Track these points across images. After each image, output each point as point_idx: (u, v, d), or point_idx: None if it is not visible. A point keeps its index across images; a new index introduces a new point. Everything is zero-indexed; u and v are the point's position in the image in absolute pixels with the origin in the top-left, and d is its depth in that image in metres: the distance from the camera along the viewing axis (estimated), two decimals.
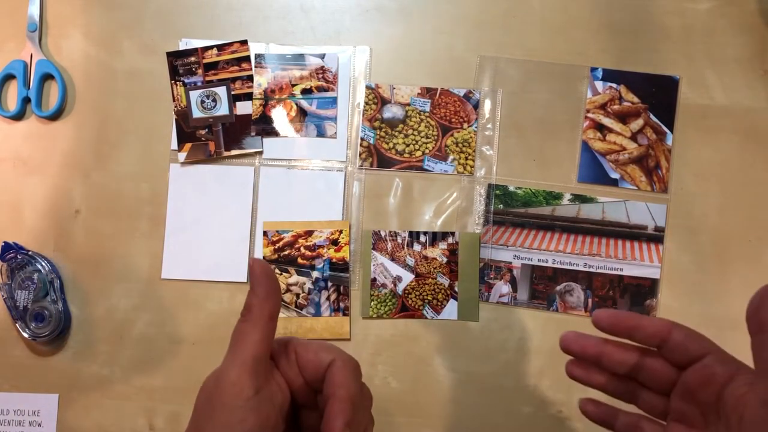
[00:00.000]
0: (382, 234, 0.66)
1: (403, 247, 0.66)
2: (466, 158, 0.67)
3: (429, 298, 0.66)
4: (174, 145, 0.67)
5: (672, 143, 0.67)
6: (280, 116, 0.68)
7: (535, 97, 0.67)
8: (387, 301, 0.66)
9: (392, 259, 0.66)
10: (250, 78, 0.68)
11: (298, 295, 0.66)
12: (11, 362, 0.66)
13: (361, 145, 0.67)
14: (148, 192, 0.67)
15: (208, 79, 0.68)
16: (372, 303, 0.66)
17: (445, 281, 0.66)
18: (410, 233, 0.66)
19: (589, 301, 0.66)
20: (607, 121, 0.67)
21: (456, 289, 0.66)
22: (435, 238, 0.66)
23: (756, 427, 0.31)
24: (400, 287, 0.66)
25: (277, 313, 0.35)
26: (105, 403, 0.65)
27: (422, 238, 0.66)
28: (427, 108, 0.67)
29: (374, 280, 0.66)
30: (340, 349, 0.37)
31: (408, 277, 0.66)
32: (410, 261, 0.66)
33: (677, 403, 0.36)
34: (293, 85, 0.68)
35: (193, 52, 0.68)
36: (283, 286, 0.66)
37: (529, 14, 0.68)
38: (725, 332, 0.65)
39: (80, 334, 0.66)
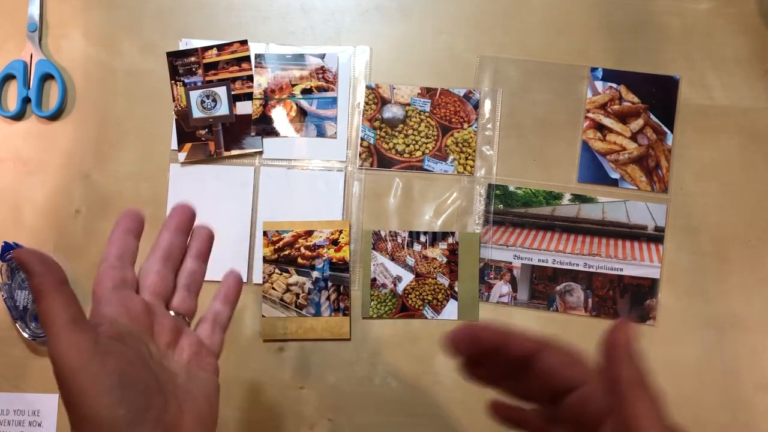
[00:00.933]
0: (382, 234, 0.66)
1: (403, 247, 0.66)
2: (466, 158, 0.67)
3: (429, 298, 0.66)
4: (174, 145, 0.67)
5: (672, 143, 0.67)
6: (280, 116, 0.68)
7: (535, 97, 0.67)
8: (387, 301, 0.66)
9: (392, 259, 0.66)
10: (250, 78, 0.68)
11: (298, 295, 0.66)
12: (11, 362, 0.66)
13: (361, 145, 0.67)
14: (148, 192, 0.67)
15: (208, 79, 0.68)
16: (372, 303, 0.66)
17: (445, 281, 0.66)
18: (410, 233, 0.66)
19: (590, 301, 0.66)
20: (607, 121, 0.67)
21: (456, 289, 0.66)
22: (435, 238, 0.66)
23: None
24: (400, 287, 0.66)
25: (65, 279, 0.33)
26: None
27: (422, 238, 0.66)
28: (427, 108, 0.67)
29: (374, 280, 0.66)
30: None
31: (408, 277, 0.66)
32: (410, 261, 0.66)
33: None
34: (293, 85, 0.68)
35: (193, 52, 0.68)
36: (283, 286, 0.66)
37: (529, 14, 0.68)
38: (725, 332, 0.65)
39: None
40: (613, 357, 0.30)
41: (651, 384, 0.31)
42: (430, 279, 0.66)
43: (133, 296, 0.37)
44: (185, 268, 0.42)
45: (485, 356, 0.35)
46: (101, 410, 0.30)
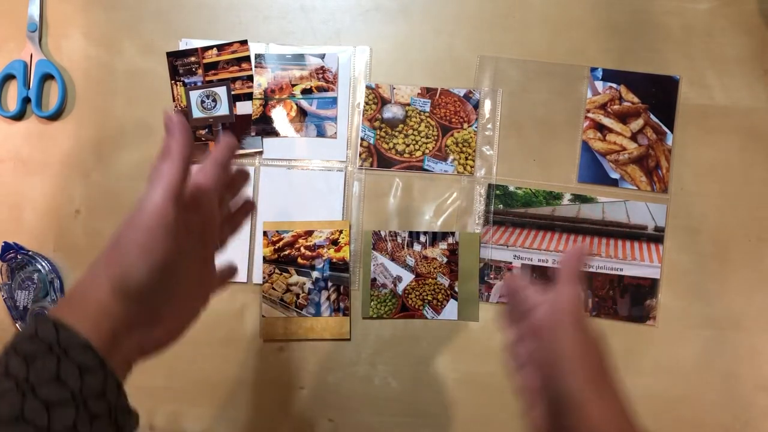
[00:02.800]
0: (382, 234, 0.66)
1: (403, 247, 0.66)
2: (466, 158, 0.67)
3: (429, 298, 0.66)
4: None
5: (672, 143, 0.67)
6: (280, 116, 0.68)
7: (535, 97, 0.67)
8: (387, 301, 0.66)
9: (392, 259, 0.66)
10: (250, 78, 0.68)
11: (298, 295, 0.66)
12: None
13: (361, 145, 0.67)
14: None
15: (208, 79, 0.68)
16: (372, 303, 0.66)
17: (445, 281, 0.66)
18: (410, 233, 0.66)
19: (590, 301, 0.66)
20: (607, 121, 0.67)
21: (456, 289, 0.66)
22: (435, 238, 0.66)
23: (547, 325, 0.40)
24: (400, 287, 0.66)
25: (191, 158, 0.37)
26: None
27: (422, 238, 0.66)
28: (427, 108, 0.67)
29: (374, 280, 0.66)
30: None
31: (408, 277, 0.66)
32: (410, 261, 0.66)
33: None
34: (293, 85, 0.68)
35: (193, 52, 0.68)
36: (283, 286, 0.66)
37: (529, 14, 0.68)
38: (725, 332, 0.65)
39: None
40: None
41: (578, 282, 0.42)
42: (430, 279, 0.66)
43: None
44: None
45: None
46: (143, 270, 0.34)
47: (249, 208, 0.48)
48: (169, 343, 0.39)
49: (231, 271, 0.47)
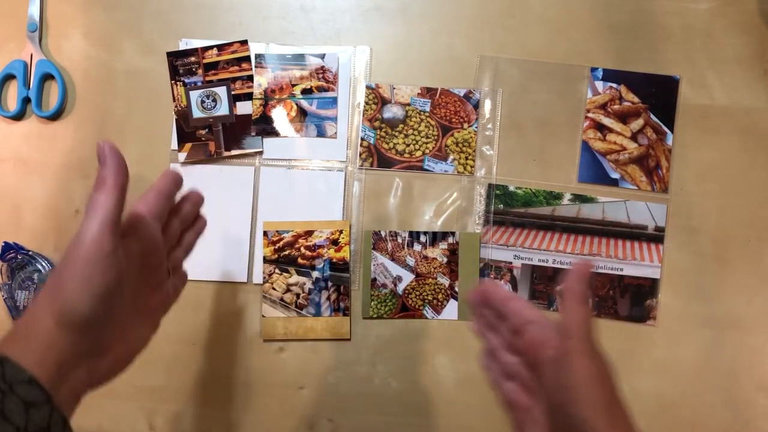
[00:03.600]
0: (383, 234, 0.66)
1: (404, 247, 0.66)
2: (466, 158, 0.67)
3: (429, 298, 0.66)
4: (174, 145, 0.67)
5: (672, 143, 0.67)
6: (280, 116, 0.68)
7: (535, 97, 0.67)
8: (387, 301, 0.66)
9: (392, 259, 0.66)
10: (250, 78, 0.68)
11: (298, 295, 0.66)
12: None
13: (361, 145, 0.67)
14: None
15: (208, 79, 0.68)
16: (372, 303, 0.66)
17: (445, 281, 0.66)
18: (410, 233, 0.66)
19: (590, 301, 0.65)
20: (607, 121, 0.67)
21: (456, 289, 0.66)
22: (435, 238, 0.66)
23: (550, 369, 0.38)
24: (401, 287, 0.66)
25: (126, 185, 0.39)
26: (105, 403, 0.65)
27: (422, 238, 0.66)
28: (428, 108, 0.67)
29: (374, 280, 0.66)
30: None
31: (408, 277, 0.66)
32: (410, 261, 0.66)
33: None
34: (293, 85, 0.68)
35: (193, 52, 0.68)
36: (283, 286, 0.66)
37: (529, 14, 0.68)
38: (725, 332, 0.65)
39: None
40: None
41: (588, 302, 0.40)
42: (430, 279, 0.66)
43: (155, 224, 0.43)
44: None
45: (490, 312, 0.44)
46: (84, 301, 0.35)
47: (201, 227, 0.49)
48: (119, 372, 0.39)
49: (183, 279, 0.48)
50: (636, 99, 0.67)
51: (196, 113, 0.68)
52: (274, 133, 0.67)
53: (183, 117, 0.67)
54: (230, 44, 0.68)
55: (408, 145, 0.67)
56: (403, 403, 0.65)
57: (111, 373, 0.39)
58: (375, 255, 0.66)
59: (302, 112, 0.68)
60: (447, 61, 0.68)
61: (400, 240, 0.66)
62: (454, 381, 0.65)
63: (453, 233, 0.66)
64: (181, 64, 0.68)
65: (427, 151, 0.67)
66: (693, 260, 0.66)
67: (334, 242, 0.66)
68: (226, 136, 0.67)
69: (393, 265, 0.66)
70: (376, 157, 0.67)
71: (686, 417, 0.64)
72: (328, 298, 0.66)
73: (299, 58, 0.68)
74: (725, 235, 0.66)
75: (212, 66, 0.68)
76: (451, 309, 0.65)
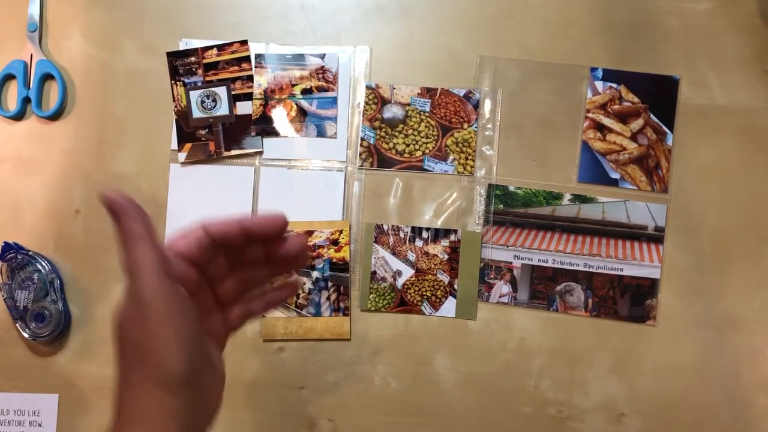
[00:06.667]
0: (385, 228, 0.66)
1: (405, 242, 0.66)
2: (466, 158, 0.67)
3: (428, 294, 0.66)
4: (174, 145, 0.67)
5: (672, 143, 0.67)
6: (280, 116, 0.68)
7: (535, 97, 0.67)
8: (386, 294, 0.66)
9: (393, 254, 0.66)
10: (250, 78, 0.68)
11: (298, 295, 0.66)
12: (11, 362, 0.66)
13: (361, 145, 0.67)
14: (148, 192, 0.67)
15: (208, 79, 0.68)
16: (371, 296, 0.66)
17: (444, 278, 0.66)
18: (413, 228, 0.66)
19: (590, 301, 0.66)
20: (607, 121, 0.67)
21: (455, 286, 0.66)
22: (437, 234, 0.66)
23: None
24: (400, 281, 0.66)
25: (153, 226, 0.34)
26: (105, 403, 0.65)
27: (424, 234, 0.66)
28: (427, 108, 0.67)
29: (374, 273, 0.66)
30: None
31: (408, 272, 0.66)
32: (411, 256, 0.66)
33: None
34: (293, 85, 0.68)
35: (193, 52, 0.68)
36: None
37: (529, 14, 0.68)
38: (725, 332, 0.65)
39: (80, 334, 0.66)
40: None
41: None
42: (430, 275, 0.66)
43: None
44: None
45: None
46: (179, 357, 0.32)
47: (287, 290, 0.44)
48: (218, 409, 0.38)
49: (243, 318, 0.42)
50: (636, 99, 0.67)
51: (196, 113, 0.68)
52: (274, 133, 0.67)
53: (183, 117, 0.68)
54: (230, 44, 0.68)
55: (408, 145, 0.67)
56: (403, 403, 0.65)
57: (214, 413, 0.37)
58: (376, 248, 0.66)
59: (302, 112, 0.68)
60: (447, 61, 0.68)
61: (402, 235, 0.66)
62: (454, 381, 0.65)
63: (455, 231, 0.66)
64: (181, 64, 0.68)
65: (427, 151, 0.67)
66: (693, 260, 0.66)
67: (334, 242, 0.66)
68: (226, 136, 0.67)
69: (394, 259, 0.66)
70: (376, 157, 0.67)
71: (686, 417, 0.64)
72: (328, 298, 0.66)
73: (299, 58, 0.68)
74: (725, 235, 0.66)
75: (212, 66, 0.68)
76: (449, 306, 0.65)
